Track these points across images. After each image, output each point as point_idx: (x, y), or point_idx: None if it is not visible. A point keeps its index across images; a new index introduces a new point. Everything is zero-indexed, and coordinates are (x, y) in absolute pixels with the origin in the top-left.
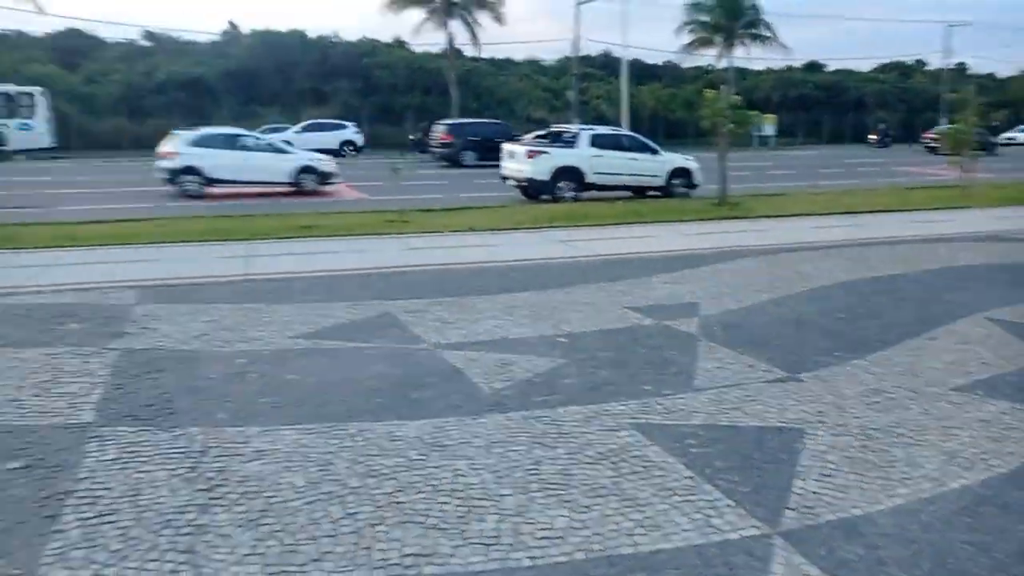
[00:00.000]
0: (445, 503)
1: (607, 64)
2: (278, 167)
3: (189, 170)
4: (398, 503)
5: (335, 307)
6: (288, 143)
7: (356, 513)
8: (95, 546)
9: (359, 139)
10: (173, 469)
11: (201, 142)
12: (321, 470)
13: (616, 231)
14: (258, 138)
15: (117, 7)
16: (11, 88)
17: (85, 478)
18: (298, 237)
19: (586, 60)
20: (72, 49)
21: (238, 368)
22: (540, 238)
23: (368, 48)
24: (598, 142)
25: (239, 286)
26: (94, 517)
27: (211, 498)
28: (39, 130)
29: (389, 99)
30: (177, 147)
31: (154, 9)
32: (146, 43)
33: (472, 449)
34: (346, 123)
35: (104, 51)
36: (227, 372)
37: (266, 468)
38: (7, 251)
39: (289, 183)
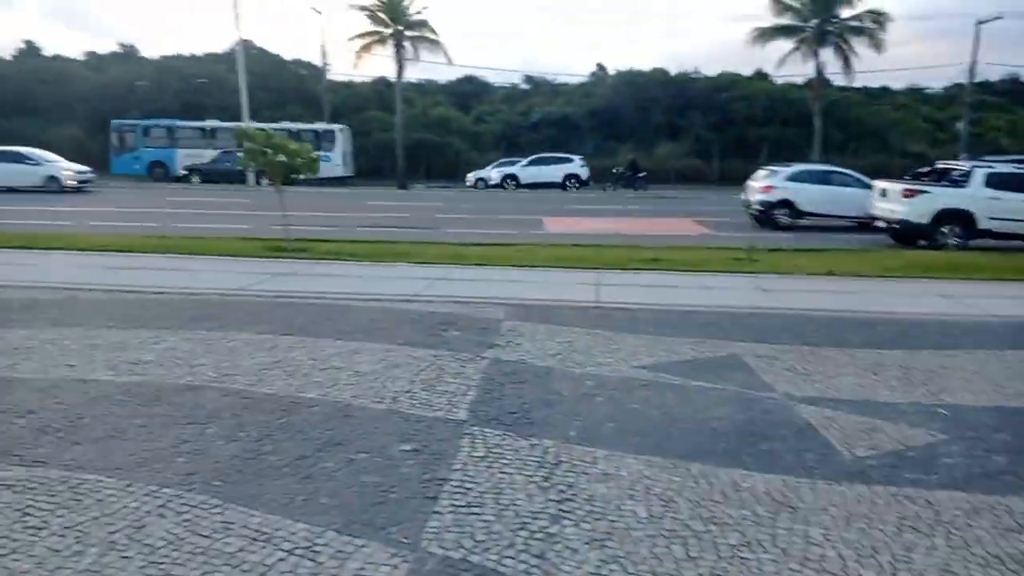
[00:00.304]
0: (797, 572)
1: (1011, 91)
2: (862, 202)
3: (783, 203)
4: (743, 559)
5: (680, 342)
6: None
7: (698, 559)
8: (463, 533)
9: (584, 173)
10: (530, 475)
11: (796, 177)
12: (664, 506)
13: (1018, 288)
14: (845, 173)
15: (504, 56)
16: (319, 126)
17: (459, 469)
18: (645, 269)
19: (984, 86)
20: (467, 93)
21: (587, 390)
22: (914, 289)
23: (727, 82)
24: (996, 181)
25: (590, 312)
26: (464, 506)
27: (561, 510)
28: (335, 161)
29: (744, 132)
30: (775, 182)
31: (534, 55)
32: (525, 86)
33: (828, 518)
34: (572, 157)
35: (491, 94)
36: (578, 392)
37: (611, 492)
38: (404, 264)
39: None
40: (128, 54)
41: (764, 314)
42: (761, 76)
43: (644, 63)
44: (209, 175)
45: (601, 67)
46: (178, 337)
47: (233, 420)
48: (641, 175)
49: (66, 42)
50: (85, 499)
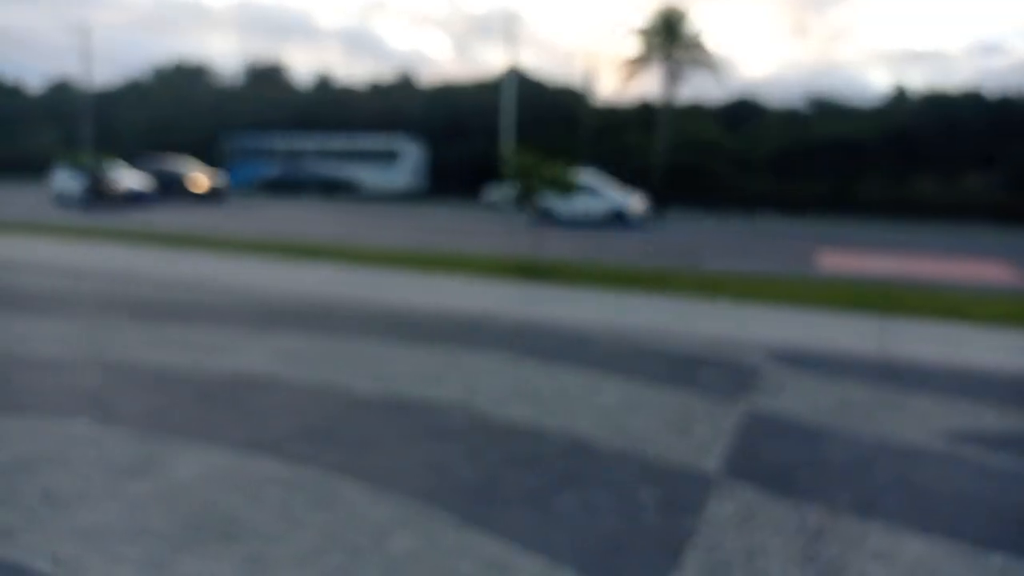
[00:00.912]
0: None
1: None
2: None
3: None
4: None
5: (986, 410)
6: None
7: None
8: None
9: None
10: (786, 543)
11: None
12: None
13: None
14: None
15: (787, 77)
16: (382, 140)
17: (705, 524)
18: (943, 317)
19: None
20: (739, 115)
21: (866, 454)
22: None
23: None
24: None
25: (871, 363)
26: (708, 569)
27: None
28: (398, 177)
29: None
30: None
31: (817, 78)
32: (807, 110)
33: None
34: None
35: (766, 117)
36: (854, 456)
37: (883, 573)
38: (658, 295)
39: None
40: (405, 82)
41: None
42: None
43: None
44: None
45: (900, 89)
46: (426, 352)
47: (474, 442)
48: None
49: (353, 72)
50: (337, 501)
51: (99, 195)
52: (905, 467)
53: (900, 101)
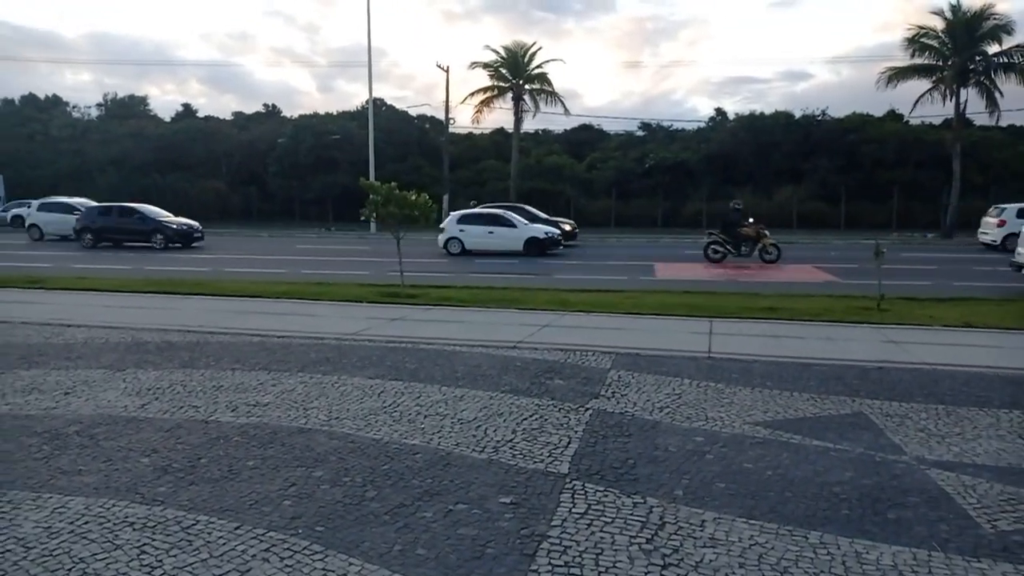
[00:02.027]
0: None
1: None
2: None
3: None
4: None
5: (799, 398)
6: None
7: None
8: None
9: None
10: (632, 536)
11: None
12: None
13: None
14: None
15: (623, 104)
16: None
17: (557, 526)
18: (761, 318)
19: None
20: (582, 141)
21: (696, 446)
22: None
23: (856, 123)
24: None
25: (701, 363)
26: (562, 566)
27: None
28: None
29: (872, 175)
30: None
31: (650, 105)
32: (641, 133)
33: None
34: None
35: (606, 142)
36: (685, 448)
37: (720, 559)
38: (515, 310)
39: None
40: (271, 113)
41: (893, 369)
42: (895, 117)
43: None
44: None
45: (719, 112)
46: (295, 380)
47: (339, 464)
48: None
49: (218, 104)
50: (196, 540)
51: None
52: (732, 455)
53: (720, 124)
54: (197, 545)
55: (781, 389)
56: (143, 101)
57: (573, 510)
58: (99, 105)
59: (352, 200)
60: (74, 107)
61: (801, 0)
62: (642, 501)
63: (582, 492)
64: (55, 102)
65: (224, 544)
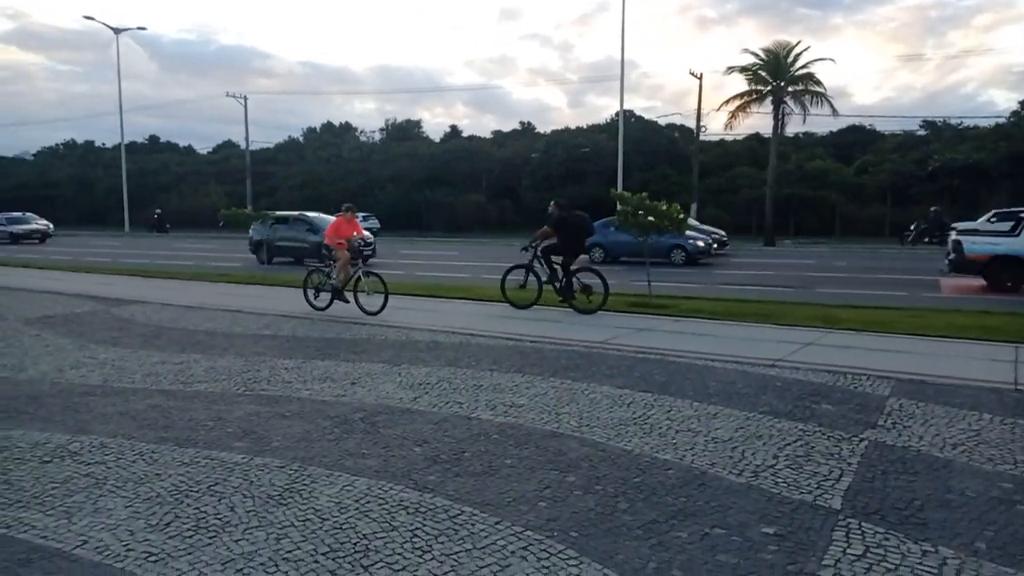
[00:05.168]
0: None
1: None
2: None
3: None
4: None
5: None
6: None
7: None
8: None
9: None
10: None
11: None
12: None
13: None
14: None
15: (900, 101)
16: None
17: (829, 566)
18: None
19: None
20: (851, 143)
21: (1003, 493)
22: None
23: None
24: None
25: (1006, 395)
26: None
27: None
28: None
29: None
30: None
31: (933, 100)
32: (923, 131)
33: None
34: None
35: (880, 143)
36: (988, 495)
37: None
38: (773, 326)
39: None
40: (526, 130)
41: None
42: None
43: None
44: None
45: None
46: (547, 384)
47: (591, 472)
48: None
49: (480, 124)
50: (461, 530)
51: None
52: None
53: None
54: (462, 535)
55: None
56: (417, 124)
57: (848, 551)
58: (381, 129)
59: (600, 209)
60: (361, 132)
61: None
62: (933, 550)
63: (858, 532)
64: (346, 128)
65: (486, 537)
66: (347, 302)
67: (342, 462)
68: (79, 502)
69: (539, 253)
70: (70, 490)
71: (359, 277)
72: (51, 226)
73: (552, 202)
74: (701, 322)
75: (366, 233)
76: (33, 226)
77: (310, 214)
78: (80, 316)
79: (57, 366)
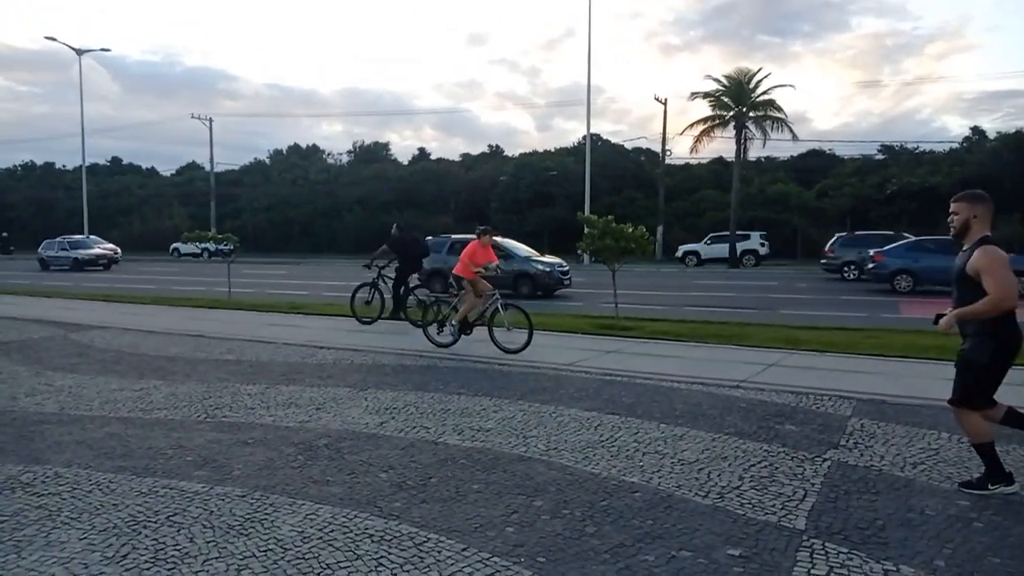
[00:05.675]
0: None
1: None
2: None
3: None
4: None
5: None
6: None
7: None
8: None
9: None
10: None
11: None
12: None
13: None
14: None
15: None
16: None
17: None
18: None
19: None
20: (811, 168)
21: (960, 511)
22: None
23: None
24: None
25: None
26: None
27: None
28: None
29: None
30: None
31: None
32: (881, 156)
33: None
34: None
35: (839, 167)
36: (947, 512)
37: None
38: (736, 347)
39: None
40: (494, 153)
41: None
42: None
43: None
44: None
45: (977, 130)
46: (515, 408)
47: (559, 496)
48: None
49: (448, 147)
50: (427, 558)
51: None
52: (1006, 524)
53: (978, 144)
54: (428, 563)
55: None
56: (386, 147)
57: (812, 571)
58: (349, 152)
59: (567, 232)
60: (328, 154)
61: None
62: (894, 569)
63: (822, 552)
64: (314, 150)
65: (452, 564)
66: (468, 334)
67: (305, 490)
68: (30, 535)
69: (382, 272)
70: (20, 523)
71: (497, 310)
72: (118, 251)
73: (395, 225)
74: (666, 344)
75: (498, 261)
76: (97, 251)
77: None
78: (37, 342)
79: (11, 394)
